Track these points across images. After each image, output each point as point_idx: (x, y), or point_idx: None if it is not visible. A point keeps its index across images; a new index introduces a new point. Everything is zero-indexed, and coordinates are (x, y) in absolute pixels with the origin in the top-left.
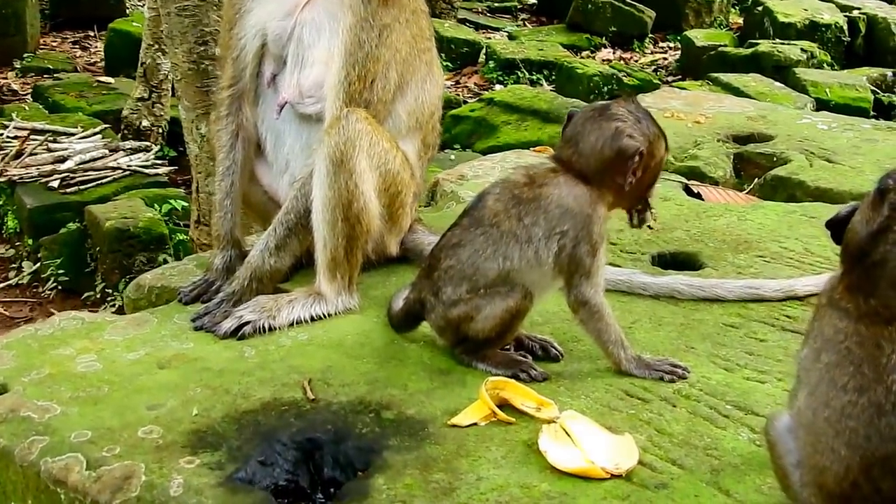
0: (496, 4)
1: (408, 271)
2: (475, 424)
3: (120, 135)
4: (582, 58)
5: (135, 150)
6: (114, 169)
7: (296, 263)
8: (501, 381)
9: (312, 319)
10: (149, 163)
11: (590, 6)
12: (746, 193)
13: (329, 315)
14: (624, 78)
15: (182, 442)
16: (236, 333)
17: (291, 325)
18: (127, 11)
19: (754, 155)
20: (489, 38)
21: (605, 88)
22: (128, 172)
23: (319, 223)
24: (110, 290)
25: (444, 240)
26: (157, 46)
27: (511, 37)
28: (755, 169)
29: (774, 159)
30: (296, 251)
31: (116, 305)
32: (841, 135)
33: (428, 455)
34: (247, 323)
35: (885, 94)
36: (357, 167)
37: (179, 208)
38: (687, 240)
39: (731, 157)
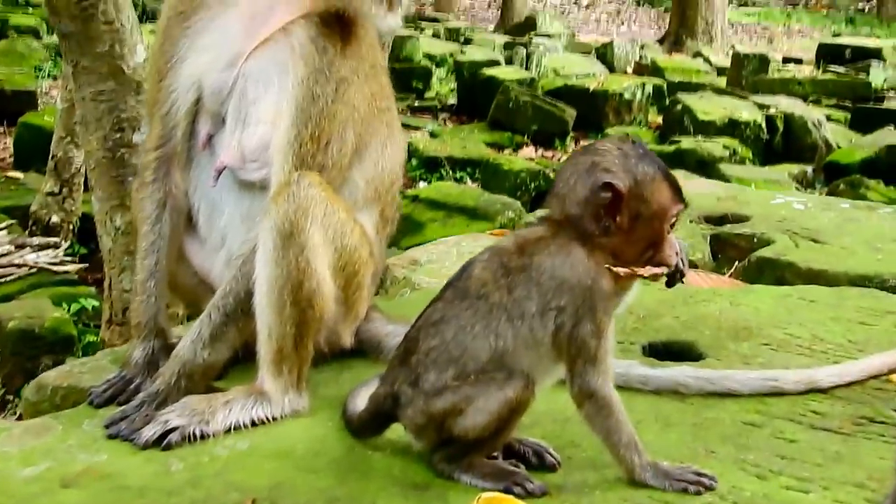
0: (416, 104)
1: (363, 366)
2: None
3: (27, 231)
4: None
5: (42, 247)
6: (20, 266)
7: (233, 357)
8: (496, 497)
9: (254, 424)
10: (57, 260)
11: (511, 105)
12: (729, 277)
13: (274, 419)
14: (551, 174)
15: None
16: (160, 442)
17: (228, 431)
18: (39, 106)
19: (732, 236)
20: (411, 136)
21: (532, 185)
22: (35, 270)
23: (264, 307)
24: (11, 397)
25: (423, 318)
26: (69, 139)
27: (433, 135)
28: (734, 251)
29: (755, 240)
30: (234, 342)
31: (18, 413)
32: (820, 214)
33: None
34: (174, 429)
35: (807, 190)
36: (309, 241)
37: (90, 308)
38: (678, 328)
39: (708, 238)
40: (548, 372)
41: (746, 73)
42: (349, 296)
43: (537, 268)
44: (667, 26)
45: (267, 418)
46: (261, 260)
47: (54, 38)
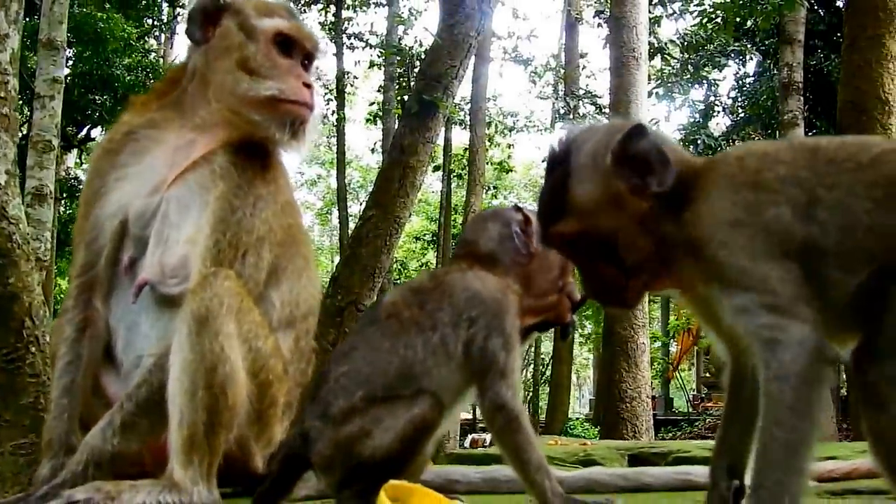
0: None
1: None
2: None
3: None
4: None
5: None
6: None
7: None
8: (404, 486)
9: None
10: None
11: None
12: None
13: None
14: None
15: None
16: None
17: None
18: None
19: (650, 455)
20: None
21: None
22: None
23: (176, 392)
24: None
25: (335, 353)
26: None
27: None
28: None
29: (671, 455)
30: (145, 434)
31: None
32: None
33: None
34: (77, 502)
35: None
36: (224, 328)
37: None
38: None
39: (626, 457)
40: (457, 392)
41: None
42: (263, 410)
43: (449, 284)
44: None
45: None
46: (175, 346)
47: None
